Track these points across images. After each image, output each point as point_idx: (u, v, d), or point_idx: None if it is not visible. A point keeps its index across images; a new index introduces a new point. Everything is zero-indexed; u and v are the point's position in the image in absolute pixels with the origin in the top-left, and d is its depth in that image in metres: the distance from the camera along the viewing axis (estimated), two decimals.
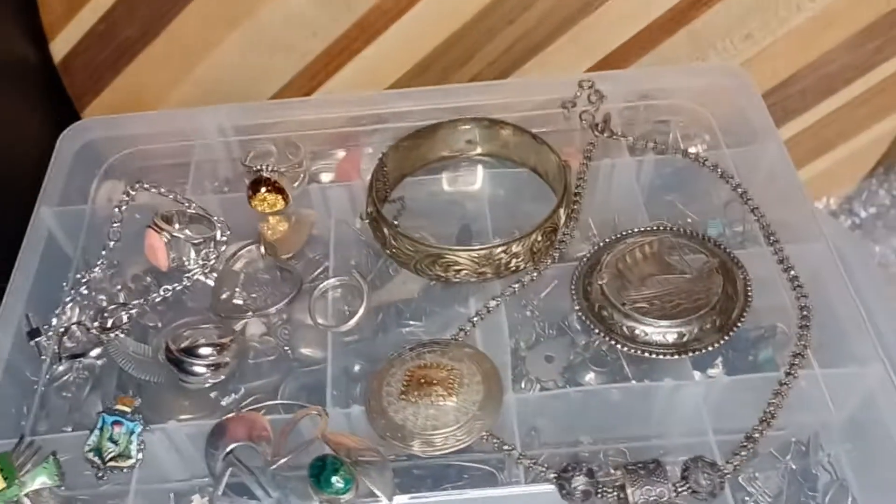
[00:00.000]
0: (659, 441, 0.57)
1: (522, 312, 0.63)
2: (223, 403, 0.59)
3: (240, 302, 0.64)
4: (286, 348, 0.63)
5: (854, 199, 1.00)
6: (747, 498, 0.55)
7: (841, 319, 0.57)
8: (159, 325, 0.63)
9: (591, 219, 0.69)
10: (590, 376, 0.59)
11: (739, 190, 0.63)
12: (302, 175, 0.67)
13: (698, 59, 0.84)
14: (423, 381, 0.52)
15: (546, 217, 0.58)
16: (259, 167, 0.64)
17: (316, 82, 0.82)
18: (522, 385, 0.59)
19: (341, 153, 0.74)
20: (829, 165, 0.98)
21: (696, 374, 0.57)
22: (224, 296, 0.62)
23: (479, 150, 0.68)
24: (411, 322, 0.64)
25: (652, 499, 0.45)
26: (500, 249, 0.56)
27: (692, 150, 0.72)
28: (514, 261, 0.57)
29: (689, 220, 0.70)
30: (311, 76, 0.84)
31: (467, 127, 0.66)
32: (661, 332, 0.54)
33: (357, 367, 0.61)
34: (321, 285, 0.60)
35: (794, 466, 0.56)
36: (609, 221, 0.69)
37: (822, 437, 0.56)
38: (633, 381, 0.55)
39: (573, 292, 0.58)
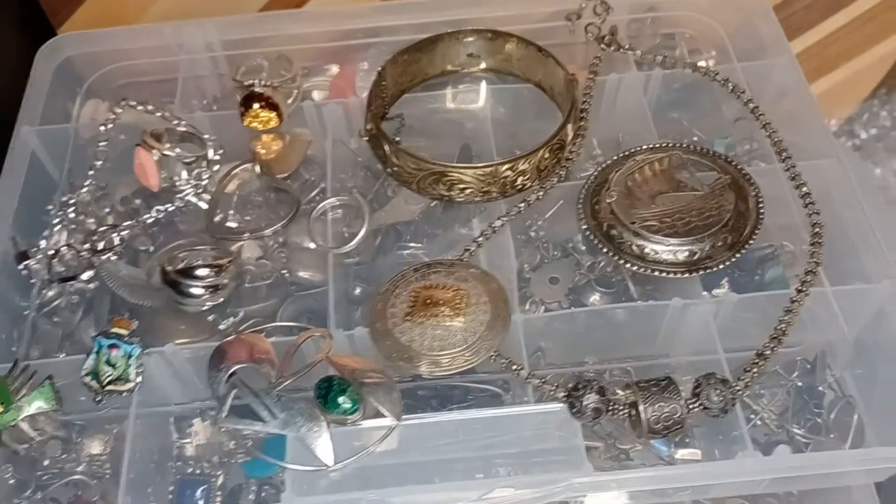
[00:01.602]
0: (666, 360, 0.57)
1: (527, 233, 0.61)
2: (221, 327, 0.58)
3: (234, 224, 0.62)
4: (284, 272, 0.61)
5: (855, 120, 0.98)
6: (752, 416, 0.55)
7: (852, 237, 0.56)
8: (151, 248, 0.61)
9: (595, 138, 0.67)
10: (595, 297, 0.58)
11: (751, 105, 0.61)
12: (295, 91, 0.64)
13: None
14: (428, 301, 0.51)
15: (553, 133, 0.56)
16: (251, 82, 0.61)
17: None
18: (527, 307, 0.58)
19: (335, 69, 0.71)
20: (830, 86, 0.96)
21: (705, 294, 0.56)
22: (218, 217, 0.60)
23: (481, 65, 0.65)
24: (411, 244, 0.62)
25: (665, 415, 0.45)
26: (506, 167, 0.54)
27: (708, 61, 0.69)
28: (520, 179, 0.56)
29: (696, 139, 0.68)
30: None
31: (470, 39, 0.63)
32: (671, 250, 0.53)
33: (357, 290, 0.59)
34: (320, 206, 0.58)
35: (800, 384, 0.56)
36: (613, 140, 0.67)
37: (829, 357, 0.56)
38: (639, 302, 0.54)
39: (580, 211, 0.57)
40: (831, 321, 0.53)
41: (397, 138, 0.61)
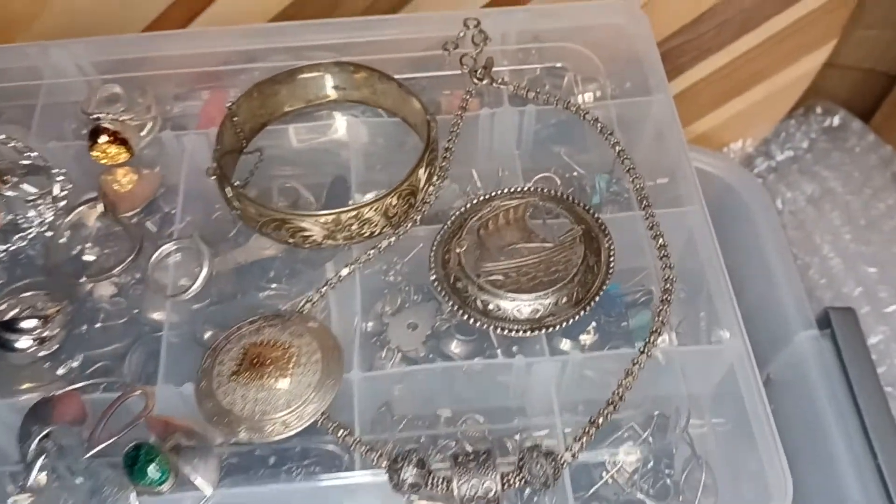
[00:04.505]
0: (520, 418, 0.55)
1: (387, 276, 0.59)
2: (59, 373, 0.56)
3: (92, 258, 0.60)
4: (136, 311, 0.59)
5: (772, 141, 0.97)
6: (604, 473, 0.54)
7: (708, 292, 0.55)
8: None
9: (476, 170, 0.65)
10: (454, 345, 0.57)
11: (617, 148, 0.59)
12: (151, 122, 0.61)
13: None
14: (255, 360, 0.48)
15: (402, 179, 0.54)
16: (97, 115, 0.58)
17: (192, 12, 0.75)
18: (383, 355, 0.56)
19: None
20: (746, 106, 0.94)
21: (566, 343, 0.54)
22: (58, 258, 0.57)
23: (348, 96, 0.63)
24: (272, 284, 0.60)
25: (479, 493, 0.43)
26: (349, 215, 0.52)
27: (586, 95, 0.67)
28: (366, 227, 0.53)
29: (577, 174, 0.67)
30: (188, 6, 0.76)
31: (327, 74, 0.61)
32: (515, 306, 0.51)
33: (208, 334, 0.57)
34: (160, 249, 0.55)
35: (651, 440, 0.54)
36: (493, 174, 0.66)
37: (682, 412, 0.54)
38: (477, 360, 0.52)
39: (431, 260, 0.54)
40: (678, 381, 0.52)
41: (252, 173, 0.59)
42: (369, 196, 0.64)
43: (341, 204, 0.63)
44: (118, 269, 0.56)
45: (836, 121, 0.95)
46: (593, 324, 0.56)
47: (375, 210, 0.53)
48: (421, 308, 0.58)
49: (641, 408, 0.55)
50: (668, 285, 0.52)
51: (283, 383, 0.48)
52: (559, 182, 0.66)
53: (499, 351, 0.53)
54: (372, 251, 0.55)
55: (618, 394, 0.48)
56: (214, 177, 0.56)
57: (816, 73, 0.91)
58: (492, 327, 0.51)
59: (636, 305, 0.59)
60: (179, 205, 0.60)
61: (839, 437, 0.64)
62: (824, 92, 0.95)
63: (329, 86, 0.62)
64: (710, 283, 0.56)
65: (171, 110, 0.68)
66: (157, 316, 0.59)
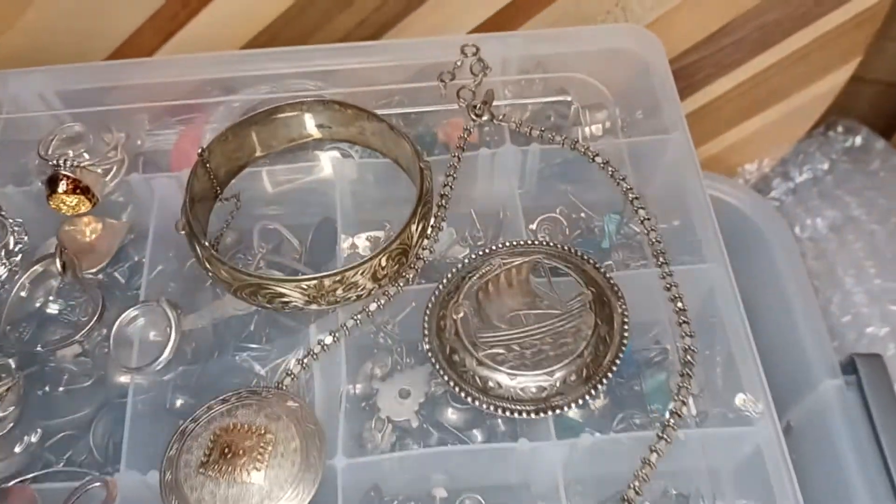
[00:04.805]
0: (524, 497, 0.50)
1: (376, 336, 0.54)
2: (16, 451, 0.51)
3: (55, 311, 0.55)
4: (103, 372, 0.54)
5: (790, 161, 0.91)
6: None
7: (729, 353, 0.49)
8: None
9: (474, 211, 0.60)
10: (450, 412, 0.51)
11: (631, 196, 0.53)
12: (116, 166, 0.55)
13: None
14: (227, 450, 0.43)
15: (393, 238, 0.48)
16: (56, 161, 0.53)
17: (160, 38, 0.69)
18: (372, 425, 0.51)
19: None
20: (763, 125, 0.88)
21: (574, 410, 0.49)
22: (14, 316, 0.52)
23: (334, 135, 0.57)
24: (250, 345, 0.55)
25: None
26: (332, 280, 0.47)
27: (594, 127, 0.62)
28: (352, 292, 0.48)
29: (584, 215, 0.61)
30: (156, 30, 0.70)
31: (309, 113, 0.55)
32: (517, 385, 0.45)
33: (179, 402, 0.52)
34: (121, 316, 0.50)
35: None
36: (494, 216, 0.60)
37: (705, 494, 0.49)
38: (479, 443, 0.47)
39: (425, 327, 0.49)
40: (698, 457, 0.46)
41: (228, 223, 0.53)
42: (361, 241, 0.59)
43: (328, 247, 0.58)
44: (79, 335, 0.50)
45: (858, 140, 0.89)
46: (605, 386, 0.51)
47: (362, 273, 0.47)
48: (414, 373, 0.53)
49: (656, 483, 0.50)
50: (689, 356, 0.47)
51: (258, 477, 0.43)
52: (565, 223, 0.60)
53: (500, 423, 0.48)
54: (359, 315, 0.49)
55: (633, 486, 0.43)
56: (184, 231, 0.50)
57: (839, 90, 0.85)
58: (492, 407, 0.45)
59: (650, 366, 0.54)
60: (148, 255, 0.54)
61: (865, 493, 0.60)
62: (846, 110, 0.89)
63: (312, 125, 0.56)
64: (731, 343, 0.51)
65: (143, 145, 0.62)
66: (124, 379, 0.54)
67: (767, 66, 0.82)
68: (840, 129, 0.90)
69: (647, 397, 0.53)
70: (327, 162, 0.59)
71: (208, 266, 0.49)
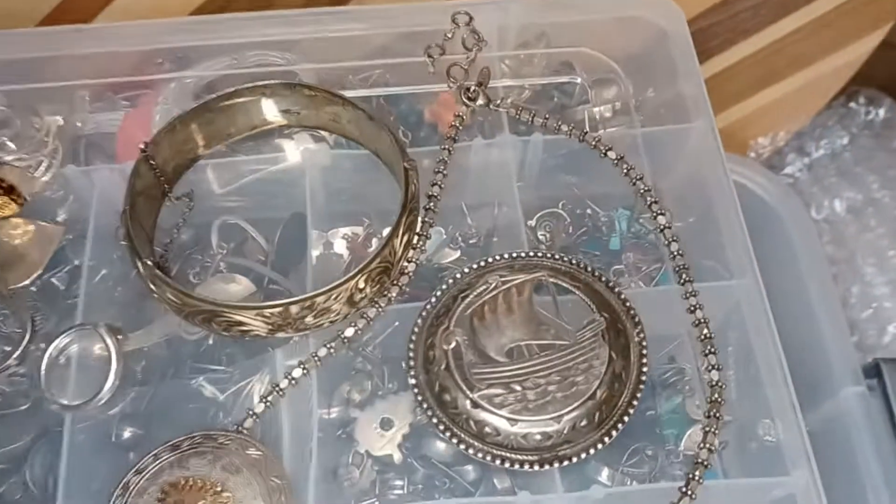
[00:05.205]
0: None
1: (354, 361, 0.47)
2: None
3: None
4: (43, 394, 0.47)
5: (806, 135, 0.84)
6: None
7: (756, 376, 0.43)
8: None
9: (466, 204, 0.52)
10: (439, 444, 0.45)
11: (649, 199, 0.46)
12: (48, 160, 0.47)
13: None
14: None
15: (372, 255, 0.41)
16: None
17: (99, 2, 0.60)
18: (350, 460, 0.45)
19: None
20: (781, 95, 0.81)
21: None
22: None
23: (303, 121, 0.49)
24: (209, 365, 0.47)
25: None
26: (297, 307, 0.39)
27: (603, 108, 0.54)
28: (324, 318, 0.41)
29: (590, 211, 0.54)
30: None
31: (273, 98, 0.47)
32: (519, 431, 0.39)
33: (126, 434, 0.45)
34: (52, 344, 0.42)
35: None
36: (488, 209, 0.53)
37: None
38: (475, 498, 0.41)
39: (410, 357, 0.42)
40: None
41: (179, 227, 0.46)
42: (337, 239, 0.51)
43: (299, 245, 0.51)
44: (10, 359, 0.43)
45: (881, 112, 0.82)
46: None
47: (336, 298, 0.40)
48: (397, 399, 0.46)
49: None
50: (717, 395, 0.40)
51: None
52: (568, 220, 0.53)
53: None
54: (333, 344, 0.42)
55: None
56: (125, 243, 0.43)
57: (866, 59, 0.77)
58: (489, 457, 0.39)
59: (665, 387, 0.48)
60: (87, 258, 0.47)
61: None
62: (870, 79, 0.82)
63: (276, 111, 0.48)
64: (759, 363, 0.44)
65: (83, 127, 0.54)
66: (66, 401, 0.47)
67: (788, 31, 0.75)
68: (862, 99, 0.82)
69: (662, 423, 0.47)
70: (295, 148, 0.51)
71: (152, 287, 0.41)
